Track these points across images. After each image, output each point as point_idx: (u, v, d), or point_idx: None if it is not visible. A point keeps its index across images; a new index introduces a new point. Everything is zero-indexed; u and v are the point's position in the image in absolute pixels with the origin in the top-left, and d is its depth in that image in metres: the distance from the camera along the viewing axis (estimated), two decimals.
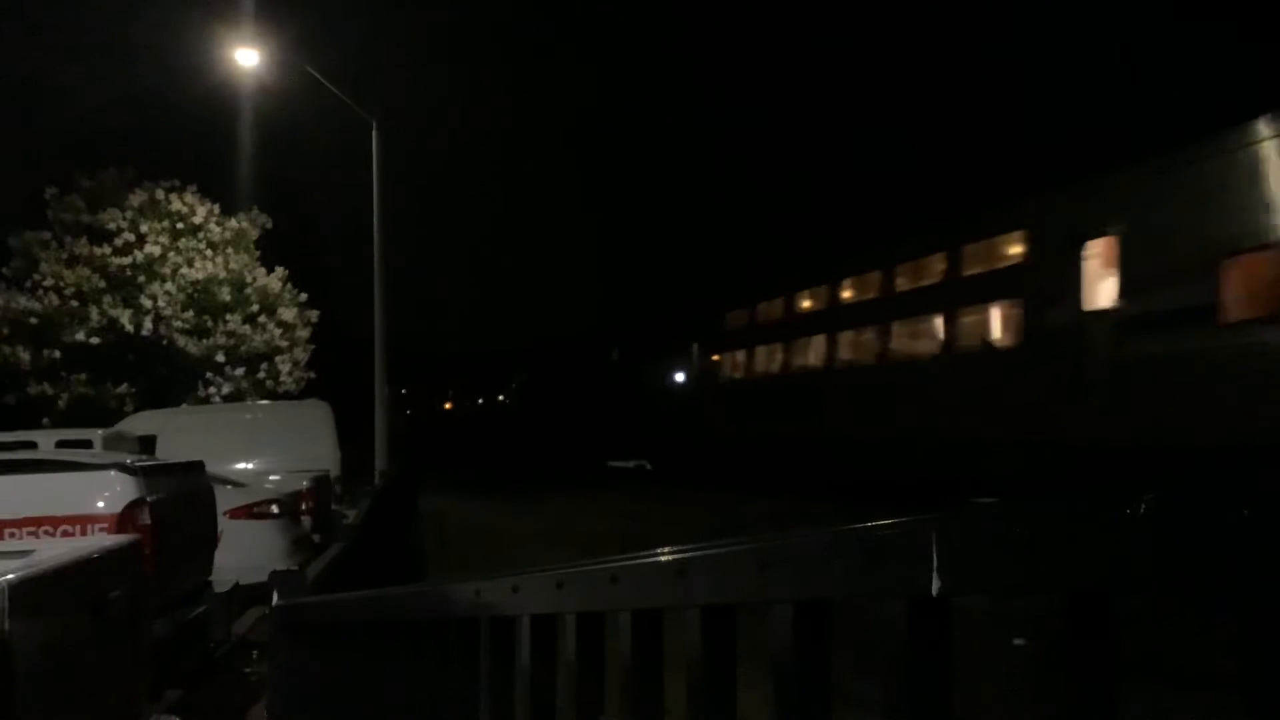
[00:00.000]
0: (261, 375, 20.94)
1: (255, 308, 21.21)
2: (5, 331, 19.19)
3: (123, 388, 19.52)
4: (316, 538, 11.60)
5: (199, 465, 7.93)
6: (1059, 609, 0.94)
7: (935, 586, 1.00)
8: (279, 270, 21.80)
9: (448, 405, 58.84)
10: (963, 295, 17.42)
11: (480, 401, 73.91)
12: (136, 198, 20.52)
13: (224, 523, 8.70)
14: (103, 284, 19.82)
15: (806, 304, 23.09)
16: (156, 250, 20.19)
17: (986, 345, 16.84)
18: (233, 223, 21.48)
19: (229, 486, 10.35)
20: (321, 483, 12.85)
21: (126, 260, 20.04)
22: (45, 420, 18.07)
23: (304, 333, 21.94)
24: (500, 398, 69.88)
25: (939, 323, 18.04)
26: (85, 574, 4.65)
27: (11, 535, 6.18)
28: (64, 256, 19.82)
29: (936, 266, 18.46)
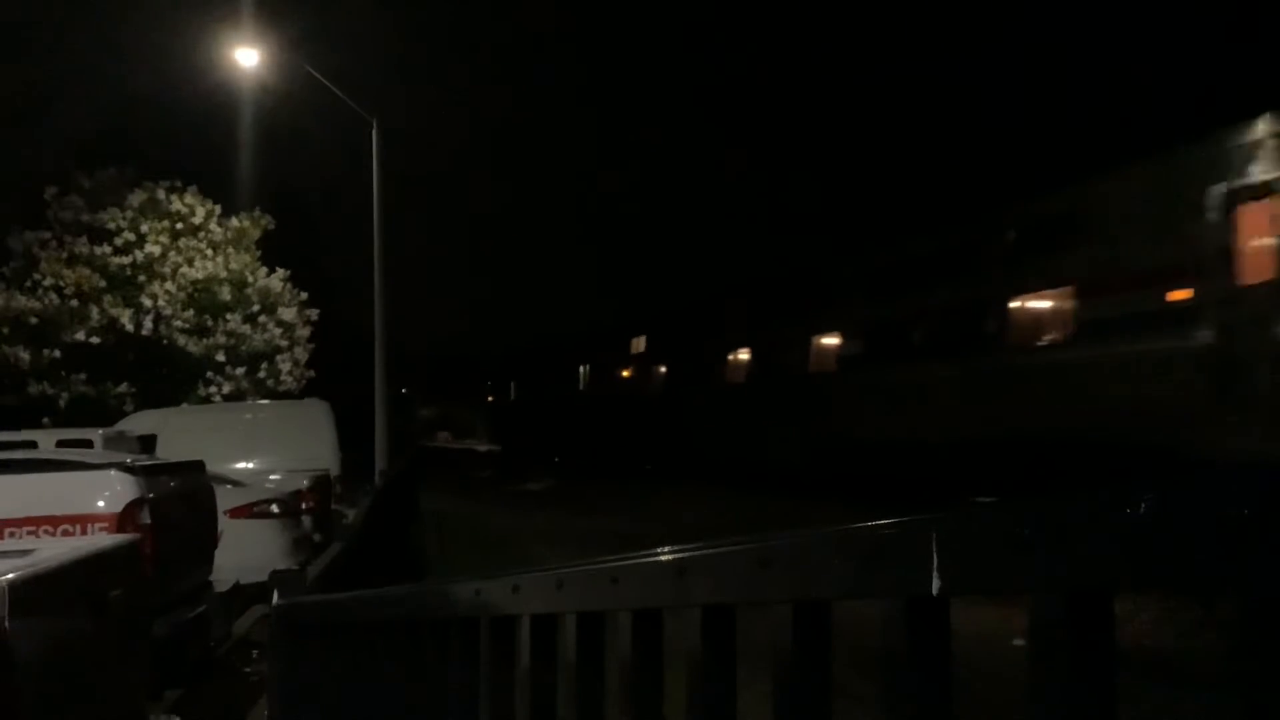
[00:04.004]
0: (262, 374, 20.95)
1: (256, 307, 21.22)
2: (5, 331, 19.19)
3: (123, 387, 19.51)
4: (316, 537, 11.60)
5: (199, 465, 7.93)
6: (1059, 609, 0.94)
7: (935, 586, 1.00)
8: (280, 270, 21.81)
9: (625, 373, 34.78)
10: None
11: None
12: (137, 197, 20.54)
13: (224, 522, 8.69)
14: (103, 283, 19.82)
15: None
16: (157, 250, 20.19)
17: None
18: (234, 222, 21.50)
19: (229, 486, 10.36)
20: (321, 482, 12.85)
21: (126, 260, 20.04)
22: (45, 420, 18.05)
23: (304, 332, 21.95)
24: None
25: None
26: (85, 574, 4.65)
27: (11, 535, 6.18)
28: (64, 256, 19.82)
29: None
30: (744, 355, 25.56)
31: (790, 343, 22.30)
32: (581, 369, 38.88)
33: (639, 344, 33.56)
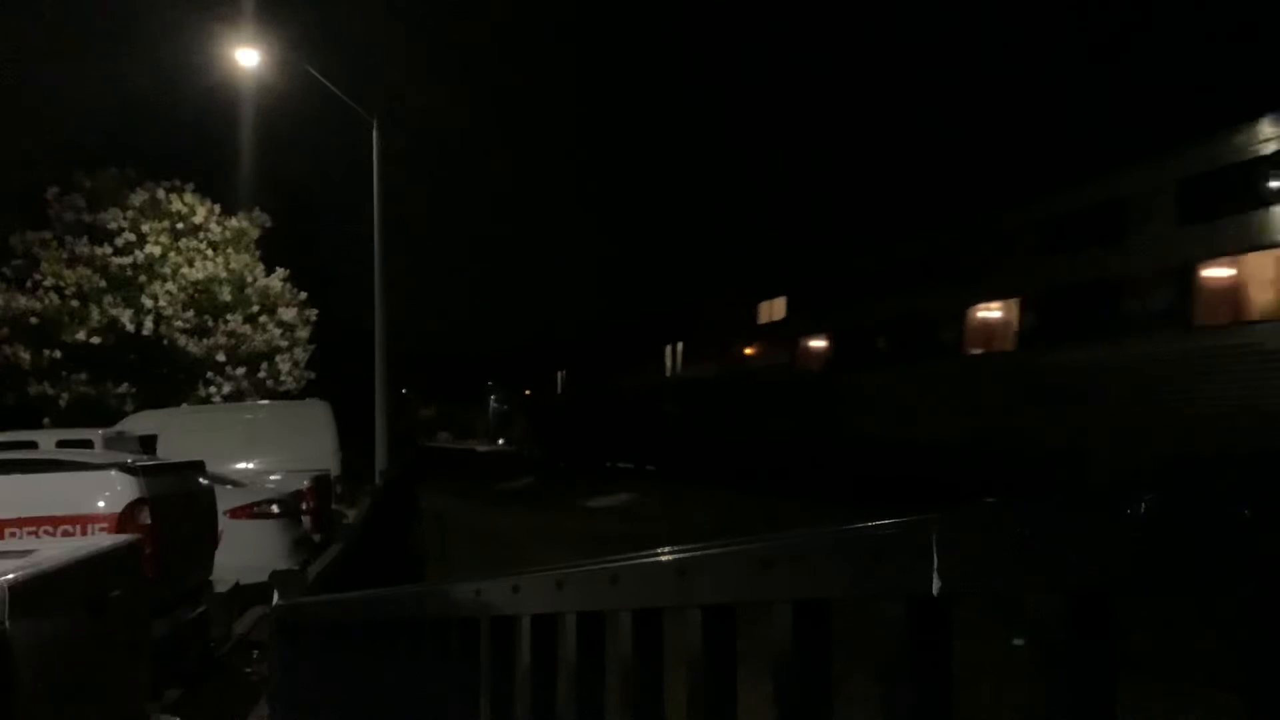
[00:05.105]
0: (262, 375, 20.95)
1: (255, 307, 21.22)
2: (6, 331, 19.18)
3: (123, 387, 19.51)
4: (316, 538, 11.60)
5: (199, 465, 7.93)
6: (1059, 609, 0.94)
7: (935, 586, 1.00)
8: (280, 270, 21.81)
9: (748, 350, 25.14)
10: None
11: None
12: (138, 197, 20.54)
13: (224, 522, 8.69)
14: (103, 284, 19.82)
15: None
16: (157, 250, 20.20)
17: None
18: (233, 222, 21.50)
19: (229, 486, 10.36)
20: (321, 482, 12.85)
21: (127, 260, 20.04)
22: (46, 420, 18.06)
23: (304, 332, 21.95)
24: None
25: None
26: (85, 574, 4.65)
27: (12, 535, 6.18)
28: (64, 256, 19.82)
29: None
30: (998, 311, 16.91)
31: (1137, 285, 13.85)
32: (668, 349, 30.39)
33: (772, 310, 24.52)
